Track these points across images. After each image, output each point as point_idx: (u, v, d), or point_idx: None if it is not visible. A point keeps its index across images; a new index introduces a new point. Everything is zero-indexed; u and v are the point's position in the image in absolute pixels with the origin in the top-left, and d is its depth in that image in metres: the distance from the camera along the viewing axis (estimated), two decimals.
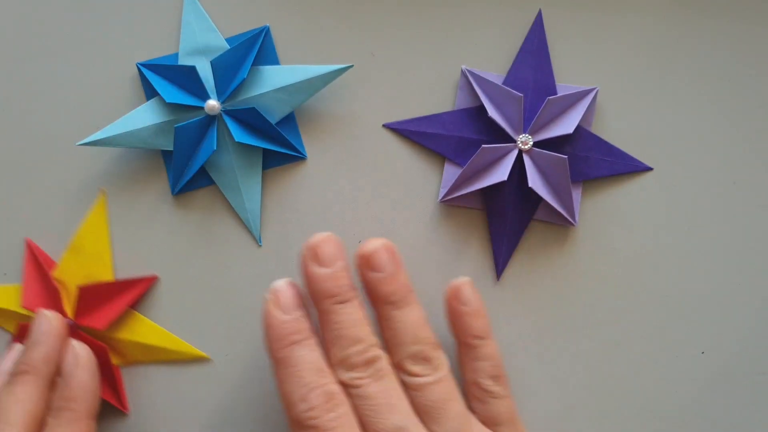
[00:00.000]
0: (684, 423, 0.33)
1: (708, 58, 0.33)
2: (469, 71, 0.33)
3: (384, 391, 0.27)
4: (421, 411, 0.27)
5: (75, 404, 0.29)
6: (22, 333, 0.32)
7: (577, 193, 0.33)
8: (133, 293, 0.33)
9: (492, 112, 0.32)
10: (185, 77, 0.32)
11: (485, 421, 0.29)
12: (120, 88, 0.34)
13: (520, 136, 0.32)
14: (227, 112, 0.32)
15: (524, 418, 0.32)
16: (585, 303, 0.33)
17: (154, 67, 0.33)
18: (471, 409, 0.29)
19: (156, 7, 0.34)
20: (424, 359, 0.28)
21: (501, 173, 0.31)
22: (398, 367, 0.28)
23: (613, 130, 0.33)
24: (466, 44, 0.34)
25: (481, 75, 0.33)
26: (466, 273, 0.33)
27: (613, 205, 0.33)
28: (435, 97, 0.34)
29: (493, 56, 0.34)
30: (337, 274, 0.27)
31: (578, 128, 0.32)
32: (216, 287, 0.34)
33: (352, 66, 0.32)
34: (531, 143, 0.32)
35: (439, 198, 0.33)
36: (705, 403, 0.33)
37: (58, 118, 0.34)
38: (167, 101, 0.32)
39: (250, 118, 0.32)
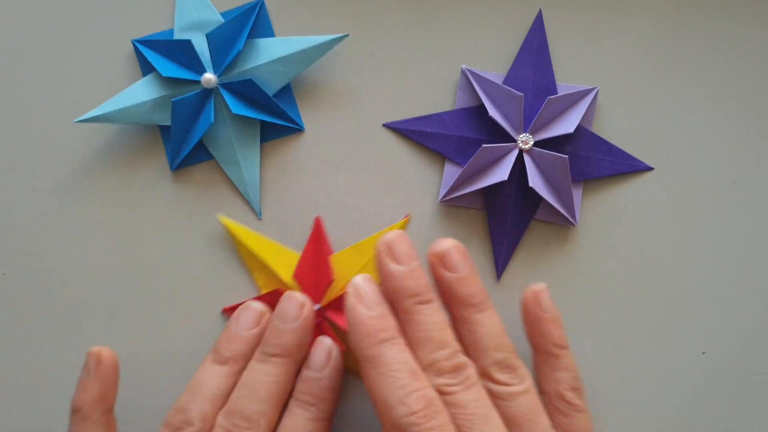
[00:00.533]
0: (684, 423, 0.33)
1: (708, 58, 0.33)
2: (469, 71, 0.33)
3: (477, 400, 0.26)
4: (510, 422, 0.26)
5: (323, 404, 0.29)
6: (269, 297, 0.32)
7: (577, 193, 0.33)
8: None
9: (492, 112, 0.32)
10: (181, 52, 0.32)
11: None
12: (116, 65, 0.34)
13: (521, 136, 0.32)
14: (224, 86, 0.32)
15: None
16: (585, 303, 0.33)
17: (150, 42, 0.33)
18: (552, 422, 0.28)
19: None
20: (509, 367, 0.27)
21: (501, 173, 0.31)
22: (482, 375, 0.27)
23: (613, 130, 0.33)
24: (466, 44, 0.34)
25: (481, 74, 0.33)
26: None
27: (614, 205, 0.33)
28: (435, 96, 0.34)
29: (493, 56, 0.34)
30: (415, 272, 0.27)
31: (579, 128, 0.32)
32: (217, 261, 0.33)
33: (347, 35, 0.32)
34: (531, 143, 0.32)
35: (439, 198, 0.33)
36: (705, 403, 0.33)
37: (55, 97, 0.34)
38: (164, 75, 0.32)
39: (247, 91, 0.32)
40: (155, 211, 0.34)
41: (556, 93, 0.33)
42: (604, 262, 0.33)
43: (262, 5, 0.34)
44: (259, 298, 0.32)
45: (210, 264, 0.34)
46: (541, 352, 0.29)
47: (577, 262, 0.33)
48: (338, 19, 0.34)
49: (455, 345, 0.26)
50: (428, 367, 0.26)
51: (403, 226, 0.33)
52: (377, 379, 0.25)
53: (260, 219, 0.34)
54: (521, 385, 0.27)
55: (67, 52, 0.34)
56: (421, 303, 0.26)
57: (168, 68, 0.32)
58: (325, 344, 0.30)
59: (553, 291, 0.33)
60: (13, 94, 0.34)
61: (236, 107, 0.32)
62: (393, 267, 0.27)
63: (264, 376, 0.28)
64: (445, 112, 0.33)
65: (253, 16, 0.33)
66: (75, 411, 0.28)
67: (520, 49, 0.33)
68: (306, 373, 0.29)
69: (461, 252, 0.28)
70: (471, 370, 0.26)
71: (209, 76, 0.32)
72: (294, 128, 0.34)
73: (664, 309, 0.33)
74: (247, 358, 0.30)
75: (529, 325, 0.29)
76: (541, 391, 0.29)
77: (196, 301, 0.33)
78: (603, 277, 0.33)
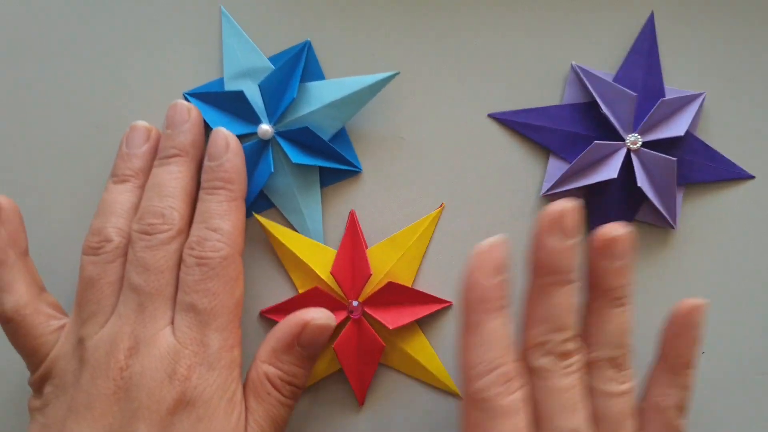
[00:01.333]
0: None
1: None
2: (579, 67, 0.33)
3: (572, 389, 0.25)
4: (599, 418, 0.26)
5: (231, 185, 0.29)
6: (306, 297, 0.32)
7: (679, 196, 0.33)
8: (427, 309, 0.32)
9: (605, 109, 0.32)
10: (234, 103, 0.31)
11: None
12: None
13: (630, 136, 0.32)
14: (280, 134, 0.32)
15: None
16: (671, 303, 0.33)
17: (202, 95, 0.32)
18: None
19: (196, 33, 0.34)
20: (620, 366, 0.27)
21: (610, 171, 0.31)
22: (592, 364, 0.27)
23: (715, 136, 0.34)
24: (575, 41, 0.34)
25: (592, 72, 0.33)
26: None
27: (713, 211, 0.33)
28: (540, 91, 0.34)
29: (601, 55, 0.34)
30: (572, 251, 0.25)
31: (685, 132, 0.32)
32: (254, 263, 0.33)
33: (398, 73, 0.32)
34: (640, 143, 0.32)
35: (542, 192, 0.33)
36: (705, 403, 0.33)
37: (111, 157, 0.32)
38: None
39: (304, 138, 0.32)
40: None
41: (664, 96, 0.33)
42: (701, 267, 0.33)
43: (310, 47, 0.33)
44: (297, 297, 0.32)
45: (247, 266, 0.33)
46: (666, 363, 0.28)
47: (675, 265, 0.33)
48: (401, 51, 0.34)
49: (575, 330, 0.26)
50: (538, 346, 0.26)
51: (437, 217, 0.33)
52: (469, 347, 0.25)
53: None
54: (624, 386, 0.27)
55: (120, 110, 0.33)
56: (561, 284, 0.26)
57: (223, 123, 0.31)
58: (221, 132, 0.30)
59: (649, 292, 0.33)
60: (70, 154, 0.34)
61: (296, 156, 0.31)
62: (552, 241, 0.25)
63: (167, 175, 0.29)
64: (553, 106, 0.33)
65: (303, 60, 0.32)
66: None
67: (631, 50, 0.33)
68: (207, 164, 0.29)
69: (630, 242, 0.26)
70: (577, 358, 0.26)
71: (266, 128, 0.31)
72: (352, 170, 0.33)
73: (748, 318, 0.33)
74: (146, 173, 0.30)
75: (667, 336, 0.29)
76: (643, 399, 0.29)
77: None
78: (699, 281, 0.33)
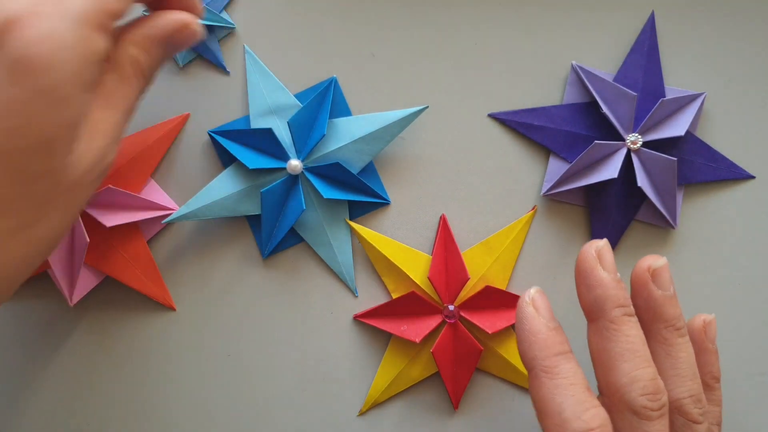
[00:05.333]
0: None
1: None
2: (580, 67, 0.33)
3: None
4: None
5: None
6: (400, 302, 0.32)
7: (679, 196, 0.33)
8: None
9: (605, 109, 0.32)
10: (262, 140, 0.31)
11: None
12: (194, 157, 0.33)
13: (630, 136, 0.32)
14: (309, 169, 0.32)
15: None
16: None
17: (228, 133, 0.32)
18: None
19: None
20: (700, 401, 0.25)
21: (611, 171, 0.31)
22: (675, 406, 0.25)
23: (716, 136, 0.34)
24: (575, 41, 0.34)
25: (592, 72, 0.33)
26: (566, 270, 0.33)
27: (713, 210, 0.33)
28: (540, 91, 0.34)
29: (601, 55, 0.34)
30: (621, 283, 0.25)
31: (685, 132, 0.32)
32: (322, 340, 0.33)
33: (427, 107, 0.32)
34: (641, 143, 0.32)
35: (543, 191, 0.33)
36: None
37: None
38: (250, 168, 0.31)
39: (333, 173, 0.32)
40: (249, 293, 0.33)
41: (665, 96, 0.33)
42: (701, 267, 0.33)
43: (336, 83, 0.33)
44: (393, 302, 0.32)
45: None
46: (702, 382, 0.27)
47: (675, 265, 0.33)
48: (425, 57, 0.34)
49: (654, 365, 0.25)
50: (631, 383, 0.24)
51: (530, 219, 0.33)
52: (553, 390, 0.24)
53: (356, 297, 0.33)
54: (706, 423, 0.26)
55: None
56: (628, 315, 0.25)
57: (252, 159, 0.31)
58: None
59: None
60: None
61: (326, 191, 0.31)
62: (604, 275, 0.25)
63: None
64: (553, 106, 0.33)
65: (330, 97, 0.32)
66: None
67: (631, 50, 0.33)
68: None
69: (669, 272, 0.26)
70: (665, 397, 0.24)
71: (295, 163, 0.31)
72: (381, 202, 0.33)
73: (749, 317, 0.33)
74: None
75: (695, 353, 0.27)
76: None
77: (327, 308, 0.33)
78: (699, 281, 0.33)
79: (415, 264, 0.32)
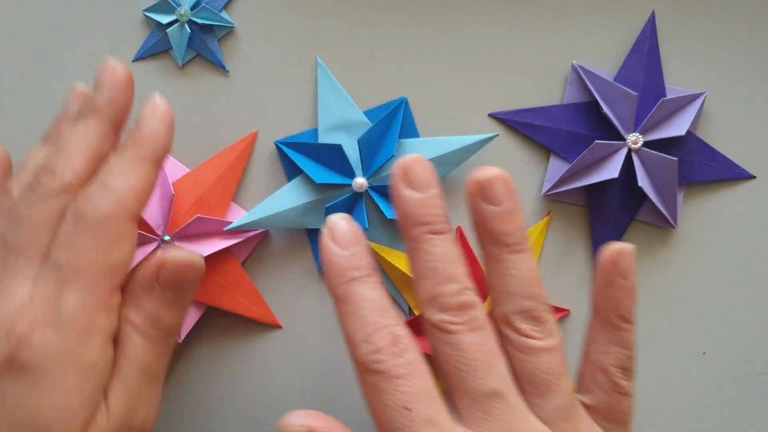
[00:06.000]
0: (684, 423, 0.33)
1: None
2: (580, 67, 0.33)
3: (481, 344, 0.23)
4: (524, 379, 0.24)
5: (142, 145, 0.26)
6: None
7: (679, 196, 0.33)
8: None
9: (605, 109, 0.32)
10: (330, 155, 0.32)
11: (596, 413, 0.25)
12: (261, 165, 0.33)
13: (631, 135, 0.32)
14: (373, 188, 0.32)
15: None
16: (677, 305, 0.33)
17: (296, 145, 0.32)
18: (582, 395, 0.25)
19: (289, 84, 0.34)
20: (536, 319, 0.24)
21: (611, 170, 0.31)
22: (502, 321, 0.24)
23: (717, 136, 0.33)
24: (575, 41, 0.34)
25: (593, 71, 0.33)
26: (566, 269, 0.33)
27: (714, 210, 0.33)
28: (540, 90, 0.34)
29: (601, 54, 0.34)
30: (430, 200, 0.24)
31: (685, 132, 0.32)
32: None
33: (497, 135, 0.32)
34: (641, 142, 0.32)
35: (543, 191, 0.33)
36: (705, 403, 0.33)
37: None
38: (317, 182, 0.31)
39: None
40: (310, 305, 0.33)
41: (665, 96, 0.33)
42: (702, 267, 0.33)
43: (406, 103, 0.33)
44: (414, 319, 0.32)
45: None
46: (601, 318, 0.25)
47: (675, 266, 0.33)
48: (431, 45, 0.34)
49: (466, 282, 0.24)
50: (430, 301, 0.23)
51: (547, 225, 0.33)
52: (345, 317, 0.23)
53: (408, 317, 0.33)
54: (547, 341, 0.24)
55: (246, 115, 0.34)
56: (432, 233, 0.24)
57: (320, 174, 0.32)
58: (153, 100, 0.27)
59: (649, 292, 0.33)
60: None
61: (389, 211, 0.32)
62: (407, 192, 0.24)
63: (69, 133, 0.26)
64: (554, 106, 0.33)
65: (400, 117, 0.32)
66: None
67: (632, 50, 0.33)
68: (133, 128, 0.27)
69: (507, 184, 0.24)
70: (479, 312, 0.23)
71: (361, 181, 0.31)
72: None
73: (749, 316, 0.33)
74: None
75: (597, 286, 0.25)
76: (585, 359, 0.26)
77: None
78: (699, 281, 0.33)
79: None
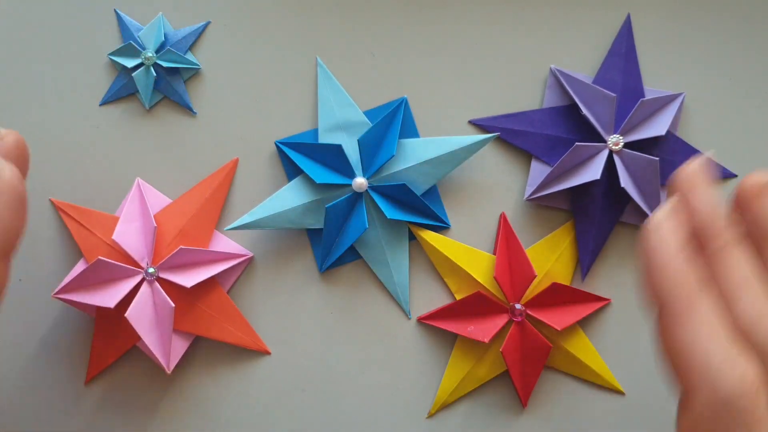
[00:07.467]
0: None
1: None
2: (558, 71, 0.33)
3: None
4: None
5: None
6: (464, 303, 0.32)
7: (662, 196, 0.33)
8: (588, 308, 0.32)
9: (585, 111, 0.32)
10: (330, 155, 0.32)
11: None
12: (259, 165, 0.33)
13: (611, 137, 0.32)
14: (373, 188, 0.32)
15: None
16: None
17: (296, 145, 0.32)
18: None
19: (290, 84, 0.34)
20: None
21: (593, 172, 0.31)
22: None
23: (697, 135, 0.34)
24: (552, 45, 0.34)
25: (571, 75, 0.33)
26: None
27: None
28: (520, 95, 0.34)
29: (578, 58, 0.34)
30: (720, 208, 0.21)
31: (665, 132, 0.32)
32: (366, 361, 0.33)
33: (497, 135, 0.32)
34: (622, 144, 0.32)
35: (526, 196, 0.33)
36: None
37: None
38: (318, 182, 0.31)
39: (397, 193, 0.32)
40: (310, 304, 0.33)
41: (644, 96, 0.33)
42: None
43: (406, 103, 0.33)
44: (458, 303, 0.32)
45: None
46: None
47: None
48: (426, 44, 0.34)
49: None
50: (755, 324, 0.20)
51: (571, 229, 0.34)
52: (694, 335, 0.20)
53: (409, 318, 0.33)
54: None
55: (214, 151, 0.33)
56: (734, 244, 0.21)
57: (320, 174, 0.32)
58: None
59: (634, 293, 0.33)
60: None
61: (389, 212, 0.31)
62: (708, 198, 0.21)
63: None
64: (533, 111, 0.33)
65: (400, 117, 0.32)
66: None
67: (609, 53, 0.33)
68: None
69: None
70: None
71: (361, 181, 0.31)
72: (441, 225, 0.33)
73: None
74: None
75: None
76: None
77: (389, 312, 0.33)
78: None
79: (477, 264, 0.32)
